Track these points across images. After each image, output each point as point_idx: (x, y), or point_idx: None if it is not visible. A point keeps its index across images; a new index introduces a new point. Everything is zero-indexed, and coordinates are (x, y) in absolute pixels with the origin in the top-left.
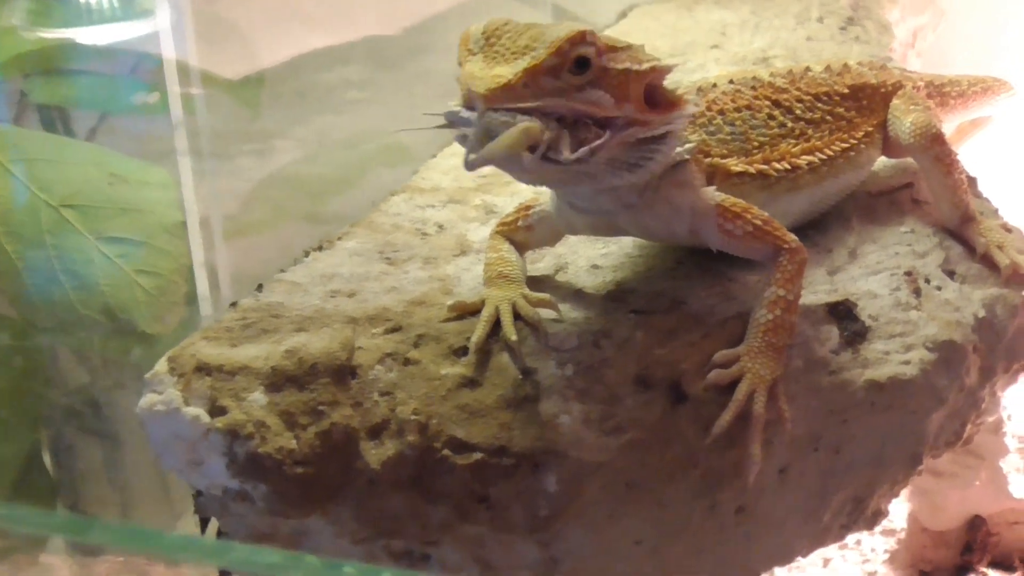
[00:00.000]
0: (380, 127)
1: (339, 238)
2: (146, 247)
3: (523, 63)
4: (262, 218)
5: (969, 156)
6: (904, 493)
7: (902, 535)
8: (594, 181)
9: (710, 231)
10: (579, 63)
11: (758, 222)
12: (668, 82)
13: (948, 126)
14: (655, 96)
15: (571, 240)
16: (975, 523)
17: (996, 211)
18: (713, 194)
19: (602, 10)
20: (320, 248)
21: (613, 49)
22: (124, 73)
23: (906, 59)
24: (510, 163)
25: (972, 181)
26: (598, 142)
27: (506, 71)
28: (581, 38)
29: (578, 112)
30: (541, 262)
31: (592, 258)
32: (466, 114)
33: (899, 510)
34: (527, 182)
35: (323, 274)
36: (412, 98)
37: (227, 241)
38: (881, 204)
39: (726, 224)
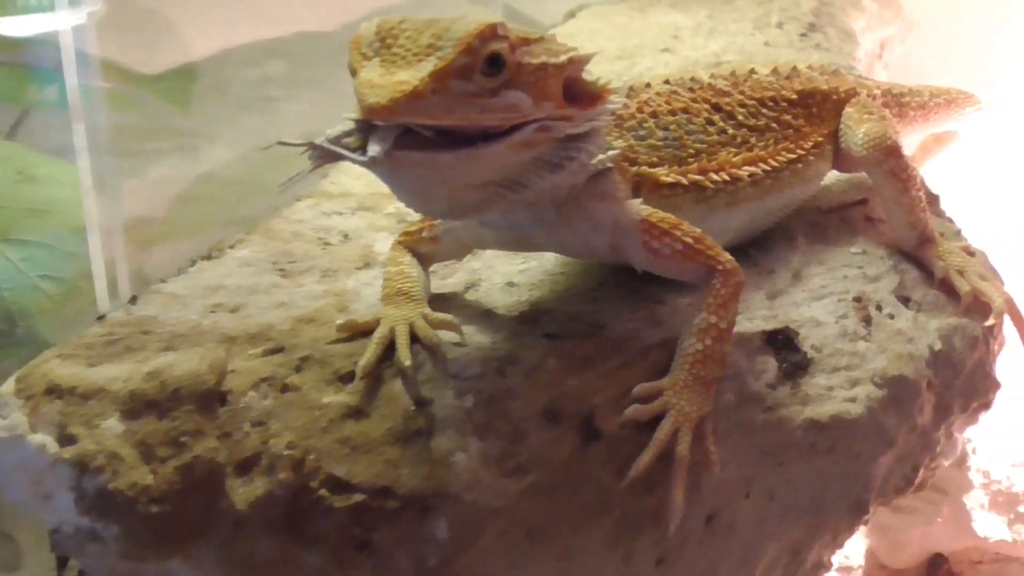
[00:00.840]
0: (307, 128)
1: (231, 246)
2: (51, 250)
3: (429, 65)
4: (187, 222)
5: (933, 173)
6: (862, 528)
7: (859, 573)
8: (514, 193)
9: (633, 249)
10: (492, 61)
11: (688, 240)
12: (589, 74)
13: (909, 140)
14: (575, 89)
15: (488, 254)
16: (936, 561)
17: (959, 232)
18: (638, 207)
19: (551, 10)
20: (208, 257)
21: (526, 42)
22: (38, 65)
23: (872, 71)
24: (419, 180)
25: (934, 199)
26: (520, 134)
27: (411, 76)
28: (492, 32)
29: (496, 126)
30: (452, 277)
31: (509, 274)
32: (346, 140)
33: (857, 546)
34: (444, 216)
35: (207, 286)
36: (343, 98)
37: (148, 247)
38: (831, 222)
39: (652, 242)
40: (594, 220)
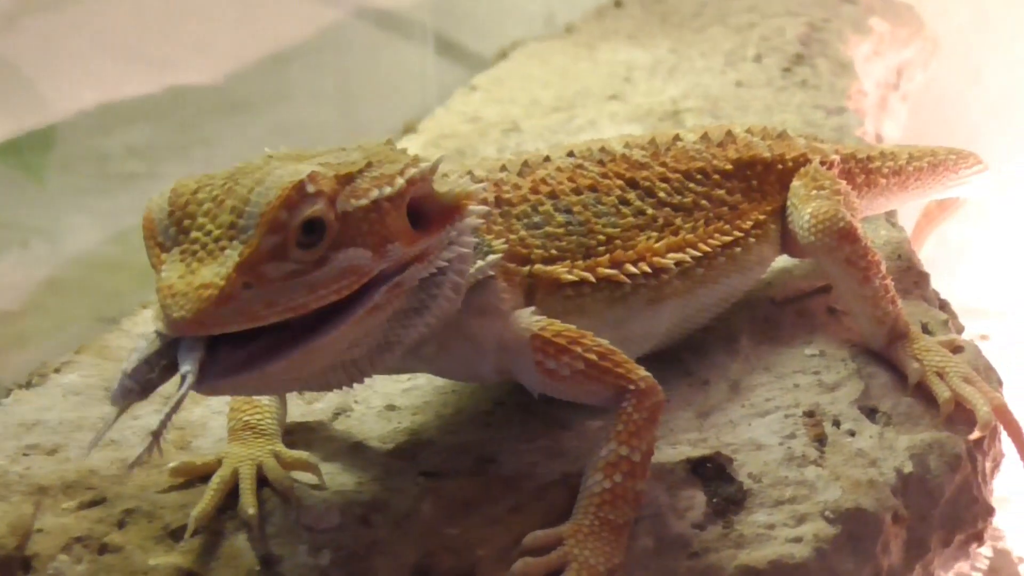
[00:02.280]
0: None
1: (56, 369)
2: None
3: (234, 255)
4: (47, 317)
5: (933, 242)
6: None
7: None
8: (385, 353)
9: (525, 371)
10: (308, 228)
11: (591, 356)
12: (444, 180)
13: (903, 207)
14: (426, 209)
15: None
16: None
17: (946, 321)
18: (528, 320)
19: (490, 43)
20: (28, 384)
21: (348, 179)
22: None
23: (886, 105)
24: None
25: (922, 280)
26: (361, 307)
27: (214, 274)
28: (300, 195)
29: (328, 300)
30: (321, 401)
31: (390, 395)
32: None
33: None
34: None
35: (22, 422)
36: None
37: None
38: (785, 316)
39: (546, 362)
40: (475, 341)
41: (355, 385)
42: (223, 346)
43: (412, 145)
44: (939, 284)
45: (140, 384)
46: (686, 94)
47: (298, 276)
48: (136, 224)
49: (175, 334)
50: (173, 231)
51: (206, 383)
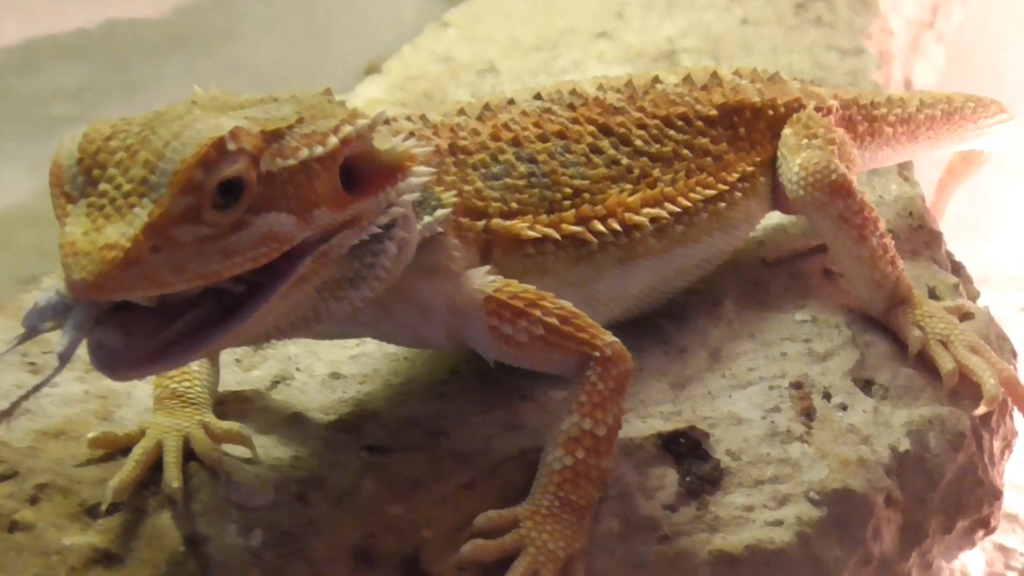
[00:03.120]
0: None
1: None
2: None
3: (143, 214)
4: None
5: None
6: None
7: None
8: (314, 326)
9: (478, 337)
10: (226, 188)
11: (552, 321)
12: (384, 135)
13: (922, 158)
14: (364, 168)
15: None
16: None
17: (956, 286)
18: (482, 280)
19: None
20: None
21: (276, 136)
22: None
23: (919, 46)
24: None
25: (934, 240)
26: (282, 284)
27: (119, 234)
28: (218, 153)
29: (244, 269)
30: (259, 368)
31: (335, 363)
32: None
33: None
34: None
35: None
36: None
37: None
38: (776, 279)
39: (502, 327)
40: (422, 305)
41: (278, 357)
42: (136, 323)
43: (375, 88)
44: (974, 248)
45: (29, 328)
46: (684, 32)
47: (212, 241)
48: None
49: (76, 297)
50: (81, 181)
51: (118, 369)
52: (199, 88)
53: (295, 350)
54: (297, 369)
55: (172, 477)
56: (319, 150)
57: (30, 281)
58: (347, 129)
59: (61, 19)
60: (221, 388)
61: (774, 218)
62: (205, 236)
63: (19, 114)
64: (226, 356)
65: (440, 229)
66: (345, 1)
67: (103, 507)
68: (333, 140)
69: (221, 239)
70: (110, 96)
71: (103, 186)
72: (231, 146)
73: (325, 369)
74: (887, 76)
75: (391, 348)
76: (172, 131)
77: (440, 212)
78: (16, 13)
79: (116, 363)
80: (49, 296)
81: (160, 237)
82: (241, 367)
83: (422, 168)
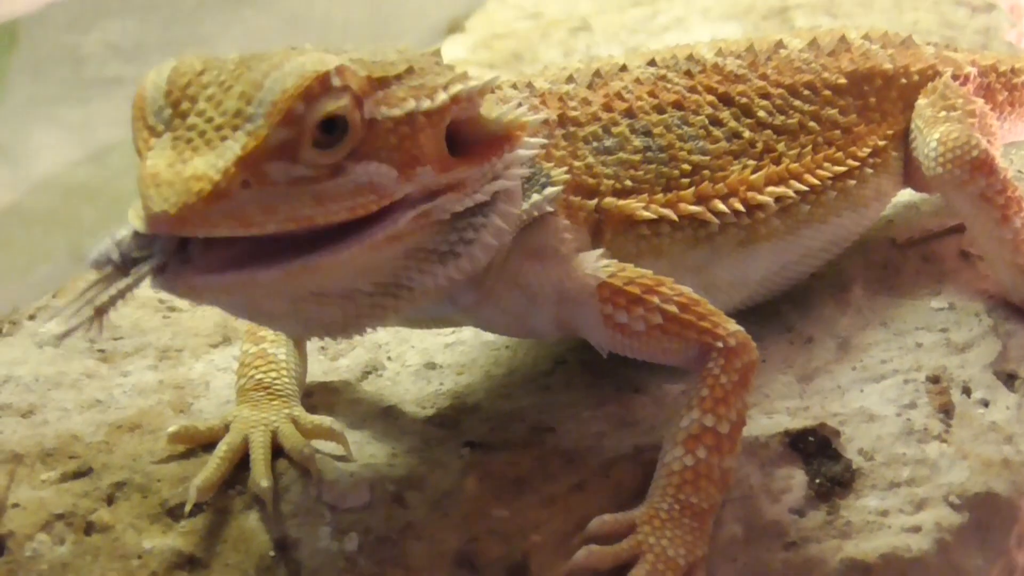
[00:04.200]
0: None
1: (30, 316)
2: None
3: (236, 146)
4: (10, 253)
5: None
6: None
7: None
8: (395, 299)
9: (591, 325)
10: (328, 127)
11: (671, 308)
12: (494, 103)
13: None
14: (469, 134)
15: None
16: None
17: None
18: (595, 264)
19: None
20: None
21: (383, 83)
22: None
23: None
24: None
25: None
26: (380, 230)
27: (208, 166)
28: (322, 86)
29: (338, 218)
30: (346, 356)
31: (429, 351)
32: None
33: None
34: (304, 336)
35: None
36: None
37: None
38: (909, 262)
39: (616, 315)
40: (529, 290)
41: (366, 343)
42: (205, 249)
43: (457, 48)
44: None
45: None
46: None
47: (307, 183)
48: (120, 139)
49: (153, 230)
50: (168, 114)
51: (182, 277)
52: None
53: (385, 337)
54: (388, 358)
55: (260, 475)
56: (427, 104)
57: (80, 255)
58: (458, 87)
59: None
60: (308, 379)
61: (904, 195)
62: (300, 177)
63: (67, 75)
64: (311, 344)
65: (549, 208)
66: None
67: (187, 508)
68: (442, 96)
69: (317, 183)
70: (163, 54)
71: (192, 119)
72: (336, 82)
73: (418, 358)
74: (1021, 34)
75: (489, 336)
76: (272, 63)
77: (550, 190)
78: None
79: (185, 272)
80: (109, 241)
81: (252, 172)
82: (327, 355)
83: (532, 140)
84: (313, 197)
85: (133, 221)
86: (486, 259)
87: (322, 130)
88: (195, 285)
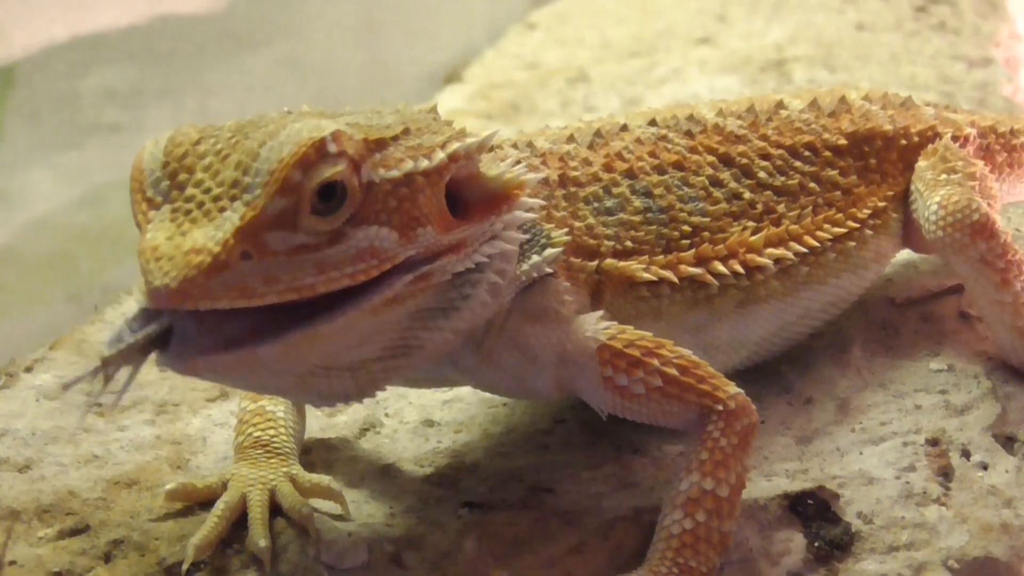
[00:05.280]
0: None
1: (27, 368)
2: None
3: (234, 217)
4: (2, 300)
5: None
6: None
7: None
8: (404, 359)
9: (590, 387)
10: (325, 194)
11: (671, 371)
12: (492, 161)
13: None
14: (469, 194)
15: None
16: None
17: None
18: (595, 327)
19: None
20: None
21: (381, 144)
22: None
23: None
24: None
25: None
26: (378, 293)
27: (207, 238)
28: (318, 153)
29: (339, 285)
30: (344, 413)
31: (427, 408)
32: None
33: None
34: (320, 404)
35: None
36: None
37: None
38: (907, 322)
39: (616, 378)
40: (529, 351)
41: (365, 400)
42: (208, 322)
43: (455, 98)
44: None
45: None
46: (794, 38)
47: (308, 251)
48: (116, 183)
49: (155, 305)
50: (166, 185)
51: (182, 358)
52: (306, 106)
53: (383, 394)
54: (386, 415)
55: (258, 535)
56: (424, 164)
57: (89, 308)
58: (455, 145)
59: (107, 15)
60: (305, 436)
61: (903, 254)
62: (300, 246)
63: (64, 119)
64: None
65: (549, 270)
66: None
67: (184, 567)
68: (440, 155)
69: (317, 250)
70: (160, 99)
71: (190, 191)
72: (332, 148)
73: (417, 415)
74: (1017, 88)
75: (487, 394)
76: (268, 132)
77: (550, 251)
78: (62, 9)
79: (186, 351)
80: (122, 322)
81: (252, 243)
82: (325, 412)
83: (531, 201)
84: (314, 265)
85: (136, 296)
86: (484, 314)
87: (320, 197)
88: (197, 366)
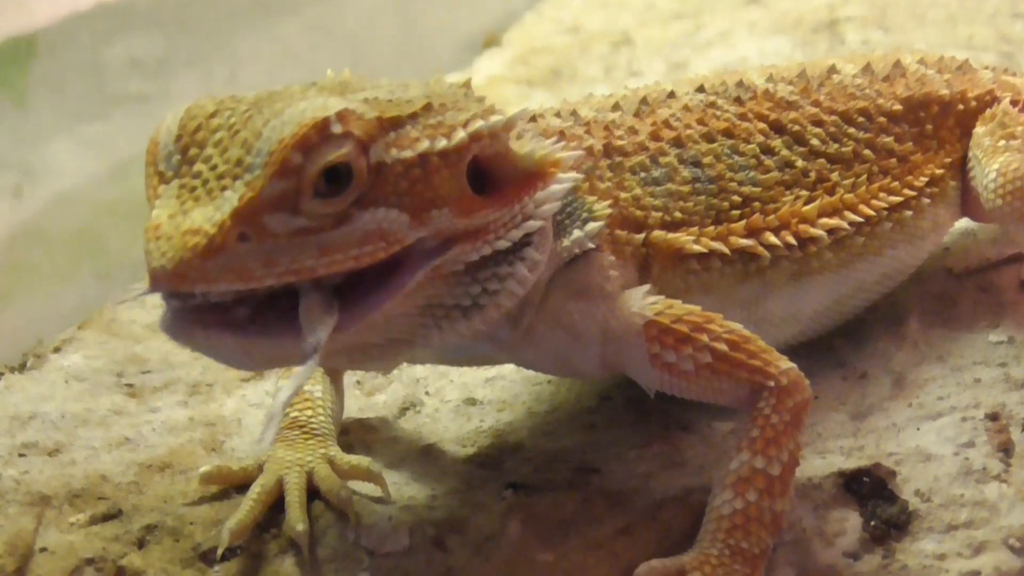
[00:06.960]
0: None
1: (56, 348)
2: None
3: (232, 198)
4: (28, 276)
5: None
6: None
7: None
8: (410, 347)
9: (637, 364)
10: (330, 176)
11: (721, 347)
12: (526, 136)
13: None
14: (499, 173)
15: None
16: None
17: None
18: (641, 303)
19: None
20: (23, 367)
21: (396, 122)
22: None
23: None
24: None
25: None
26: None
27: (206, 219)
28: (319, 136)
29: (342, 268)
30: (384, 392)
31: (469, 386)
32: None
33: None
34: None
35: (15, 415)
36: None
37: None
38: (966, 293)
39: (664, 355)
40: (572, 330)
41: (405, 379)
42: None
43: (494, 63)
44: None
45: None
46: None
47: (309, 234)
48: (144, 156)
49: (154, 286)
50: (177, 160)
51: (182, 327)
52: (331, 71)
53: (423, 372)
54: (426, 393)
55: (296, 519)
56: (442, 143)
57: (107, 279)
58: (478, 124)
59: None
60: (343, 416)
61: (961, 222)
62: (302, 228)
63: (89, 89)
64: (347, 379)
65: (592, 245)
66: None
67: (219, 552)
68: (460, 134)
69: (320, 232)
70: (188, 68)
71: (198, 166)
72: (336, 129)
73: (458, 394)
74: None
75: (530, 372)
76: (275, 110)
77: (592, 226)
78: None
79: (188, 322)
80: None
81: (249, 224)
82: (364, 391)
83: (568, 175)
84: (317, 247)
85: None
86: (513, 304)
87: (324, 179)
88: (194, 338)
